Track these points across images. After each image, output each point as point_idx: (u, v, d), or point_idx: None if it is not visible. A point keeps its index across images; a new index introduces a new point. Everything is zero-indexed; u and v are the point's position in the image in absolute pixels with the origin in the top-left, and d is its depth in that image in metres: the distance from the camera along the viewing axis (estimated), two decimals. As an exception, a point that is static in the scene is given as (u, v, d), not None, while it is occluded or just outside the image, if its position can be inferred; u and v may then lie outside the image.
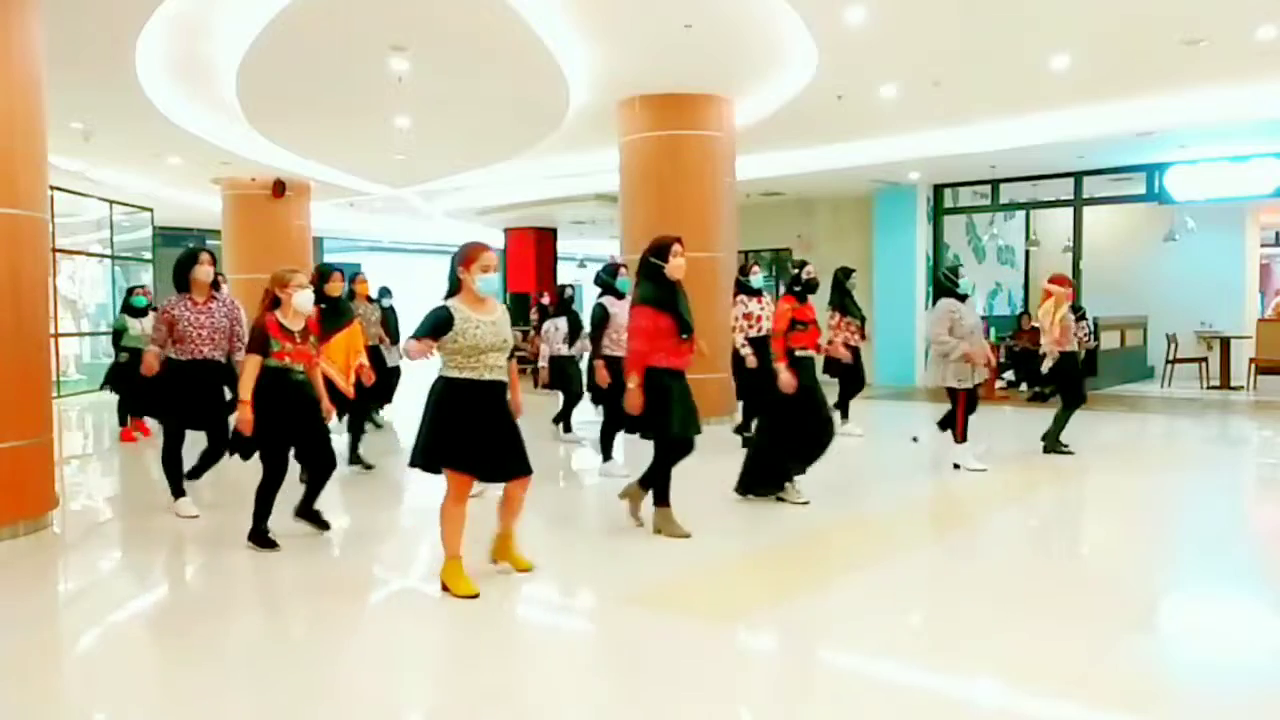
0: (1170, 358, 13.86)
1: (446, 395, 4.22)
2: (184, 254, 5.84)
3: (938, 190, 14.71)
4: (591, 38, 8.01)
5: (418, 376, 8.93)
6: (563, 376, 8.95)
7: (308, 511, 5.40)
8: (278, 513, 5.14)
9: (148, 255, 16.78)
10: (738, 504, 6.06)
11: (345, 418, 7.30)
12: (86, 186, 14.21)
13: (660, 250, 5.20)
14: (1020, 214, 15.80)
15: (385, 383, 9.16)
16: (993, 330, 13.19)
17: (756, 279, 8.22)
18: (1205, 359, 13.80)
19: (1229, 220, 14.46)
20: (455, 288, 4.28)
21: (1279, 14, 7.29)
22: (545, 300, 12.05)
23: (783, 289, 8.39)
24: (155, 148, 11.91)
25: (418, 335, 4.16)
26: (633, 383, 5.08)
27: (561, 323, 8.93)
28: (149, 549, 5.52)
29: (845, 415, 9.12)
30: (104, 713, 3.29)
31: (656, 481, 5.33)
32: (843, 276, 8.96)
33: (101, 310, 15.84)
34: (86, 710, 3.32)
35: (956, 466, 7.24)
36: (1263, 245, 17.07)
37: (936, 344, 7.04)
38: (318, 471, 5.33)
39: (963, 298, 7.18)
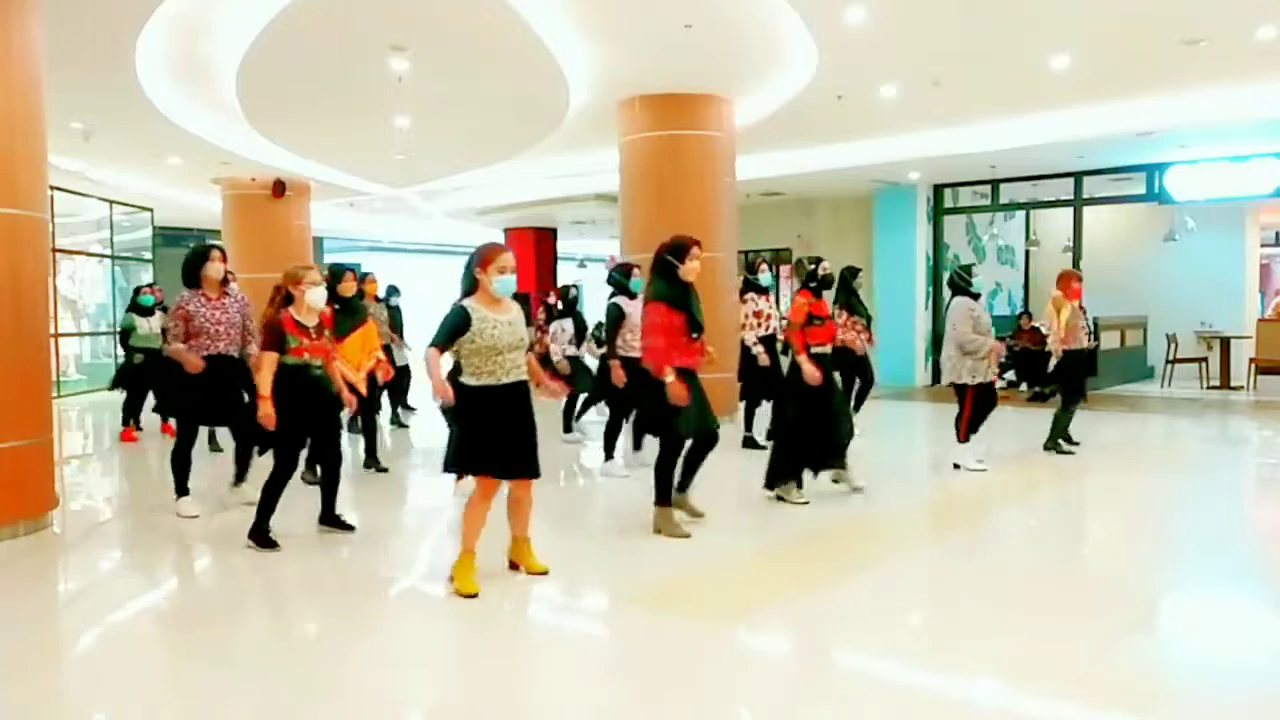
0: (1170, 358, 13.86)
1: (467, 404, 4.21)
2: (195, 250, 5.86)
3: (938, 190, 14.71)
4: (591, 38, 8.00)
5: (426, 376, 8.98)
6: (569, 377, 8.95)
7: (330, 517, 5.43)
8: (282, 512, 5.14)
9: (148, 255, 16.78)
10: (738, 504, 6.06)
11: (357, 419, 7.31)
12: (86, 186, 14.21)
13: (678, 250, 5.21)
14: (1020, 214, 15.80)
15: (397, 383, 9.20)
16: (992, 330, 13.16)
17: (765, 277, 8.22)
18: (1205, 359, 13.80)
19: (1229, 220, 14.46)
20: (471, 288, 4.28)
21: (1279, 14, 7.29)
22: (552, 300, 12.09)
23: (785, 287, 8.35)
24: (155, 148, 11.91)
25: (439, 343, 4.14)
26: (669, 375, 5.07)
27: (568, 324, 8.94)
28: (149, 549, 5.53)
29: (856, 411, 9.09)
30: (104, 712, 3.29)
31: (658, 480, 5.33)
32: (849, 276, 8.95)
33: (101, 310, 15.84)
34: (86, 710, 3.32)
35: (956, 466, 7.24)
36: (1263, 245, 17.06)
37: (965, 343, 7.01)
38: (327, 470, 5.36)
39: (976, 296, 7.17)
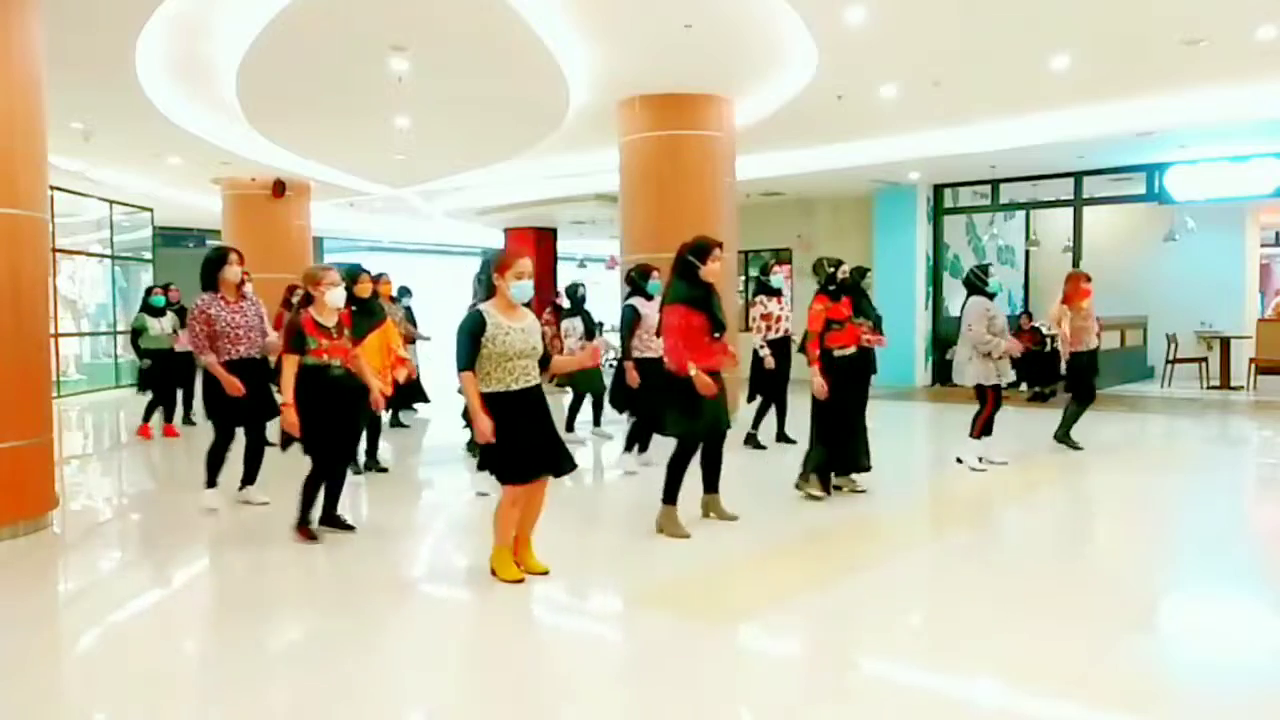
0: (1170, 358, 13.86)
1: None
2: (212, 253, 5.88)
3: (938, 190, 14.71)
4: (591, 38, 8.00)
5: (438, 376, 9.00)
6: (576, 376, 8.94)
7: (330, 517, 5.43)
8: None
9: (148, 255, 16.78)
10: (739, 503, 6.06)
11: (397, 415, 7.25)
12: (86, 186, 14.21)
13: (700, 251, 5.22)
14: (1020, 214, 15.80)
15: (410, 383, 9.23)
16: (1006, 330, 13.20)
17: (778, 279, 8.20)
18: (1205, 359, 13.80)
19: (1229, 220, 14.46)
20: (489, 293, 4.30)
21: (1279, 14, 7.29)
22: (559, 300, 12.16)
23: (785, 287, 8.29)
24: (155, 148, 11.91)
25: (467, 365, 4.17)
26: (693, 370, 5.08)
27: (577, 322, 8.94)
28: (150, 549, 5.53)
29: None
30: (104, 712, 3.29)
31: (668, 478, 5.34)
32: (858, 276, 8.95)
33: (101, 310, 15.84)
34: (86, 710, 3.32)
35: (959, 461, 7.24)
36: (1263, 245, 17.06)
37: (980, 344, 7.02)
38: (340, 469, 5.36)
39: (991, 296, 7.18)
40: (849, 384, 6.13)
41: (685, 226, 7.68)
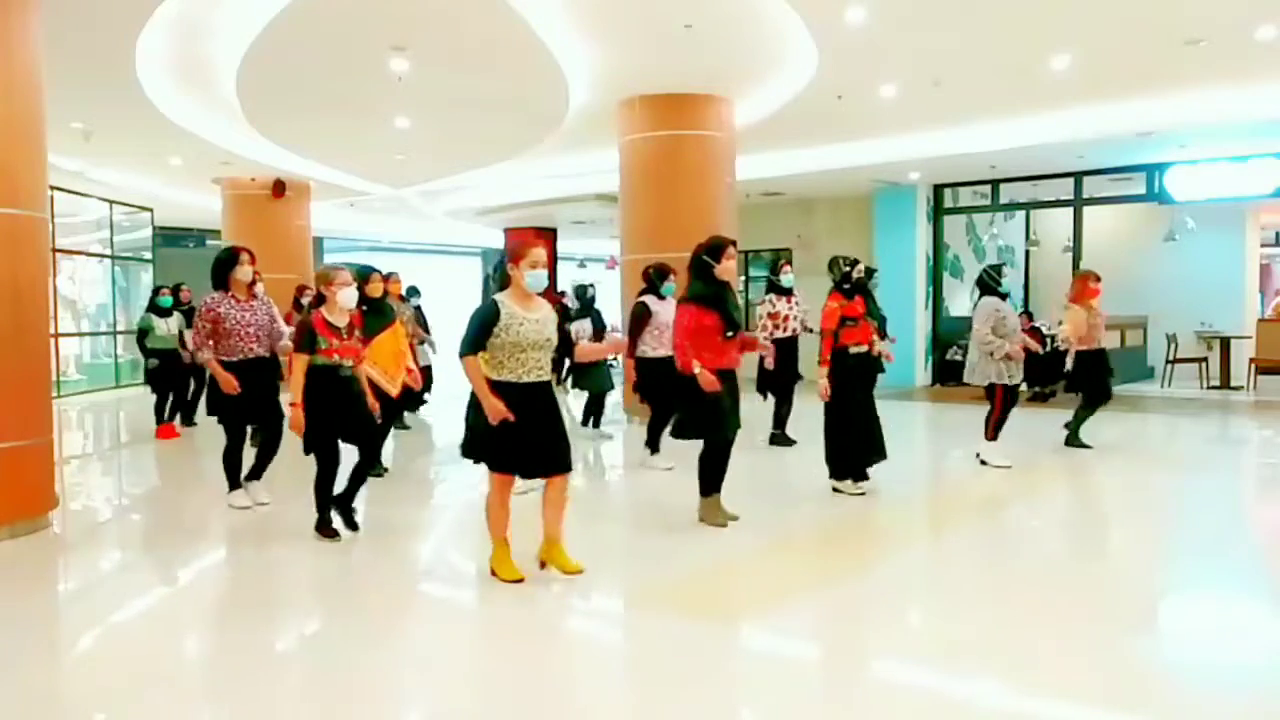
0: (1170, 358, 13.85)
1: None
2: (224, 253, 5.88)
3: (938, 190, 14.70)
4: (591, 38, 8.01)
5: (451, 375, 8.97)
6: (588, 375, 8.95)
7: (344, 506, 5.31)
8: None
9: (148, 255, 16.78)
10: (741, 503, 6.06)
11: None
12: (86, 186, 14.21)
13: (715, 250, 5.27)
14: (1020, 214, 15.79)
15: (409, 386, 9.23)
16: (1017, 331, 13.21)
17: (788, 277, 8.20)
18: (1205, 359, 13.79)
19: (1229, 220, 14.45)
20: (504, 283, 4.30)
21: (1279, 14, 7.29)
22: (565, 300, 12.19)
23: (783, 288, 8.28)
24: (155, 148, 11.91)
25: (470, 350, 4.15)
26: (697, 368, 5.11)
27: (587, 324, 8.98)
28: (150, 549, 5.53)
29: None
30: (104, 713, 3.29)
31: (709, 473, 5.39)
32: (867, 277, 8.94)
33: (101, 310, 15.84)
34: (86, 710, 3.32)
35: (984, 463, 7.25)
36: (1263, 245, 17.04)
37: (982, 344, 7.03)
38: (359, 465, 5.35)
39: (1004, 296, 7.19)
40: (858, 382, 6.16)
41: (685, 226, 7.71)
